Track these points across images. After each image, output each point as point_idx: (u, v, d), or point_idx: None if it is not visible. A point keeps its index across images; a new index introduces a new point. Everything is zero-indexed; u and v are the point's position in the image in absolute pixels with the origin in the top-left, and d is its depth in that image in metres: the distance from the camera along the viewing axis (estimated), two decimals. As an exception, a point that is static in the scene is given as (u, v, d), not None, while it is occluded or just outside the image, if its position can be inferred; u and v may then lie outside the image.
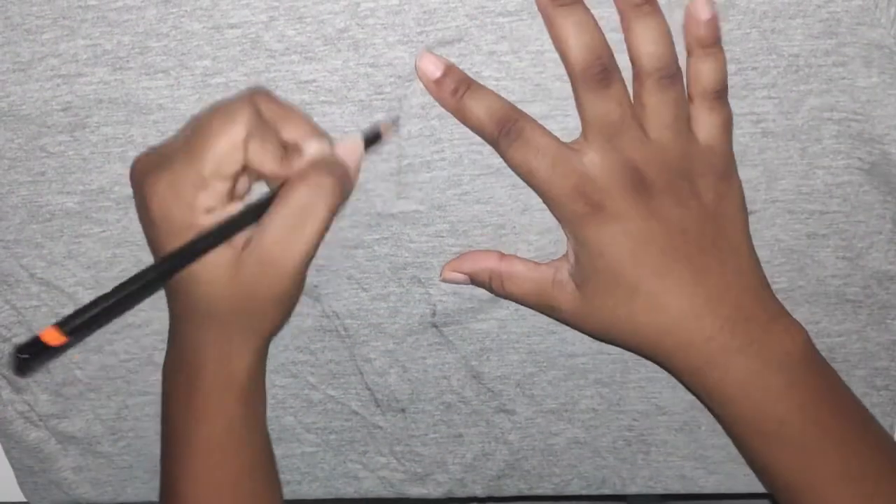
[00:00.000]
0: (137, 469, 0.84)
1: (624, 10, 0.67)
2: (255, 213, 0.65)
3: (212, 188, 0.63)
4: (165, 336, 0.77)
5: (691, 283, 0.68)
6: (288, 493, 0.84)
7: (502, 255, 0.74)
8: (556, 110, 0.72)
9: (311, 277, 0.77)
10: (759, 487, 0.82)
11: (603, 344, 0.78)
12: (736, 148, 0.72)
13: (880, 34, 0.68)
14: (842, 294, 0.77)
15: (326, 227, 0.66)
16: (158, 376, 0.77)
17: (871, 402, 0.80)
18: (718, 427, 0.80)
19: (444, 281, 0.76)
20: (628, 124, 0.67)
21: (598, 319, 0.71)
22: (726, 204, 0.69)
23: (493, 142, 0.70)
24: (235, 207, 0.65)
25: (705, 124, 0.68)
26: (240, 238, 0.65)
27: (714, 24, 0.67)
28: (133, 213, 0.75)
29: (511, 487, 0.85)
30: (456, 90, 0.69)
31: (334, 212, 0.66)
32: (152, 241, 0.67)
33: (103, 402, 0.82)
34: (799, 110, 0.71)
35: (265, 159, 0.64)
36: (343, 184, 0.66)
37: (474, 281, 0.75)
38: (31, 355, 0.61)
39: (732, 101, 0.70)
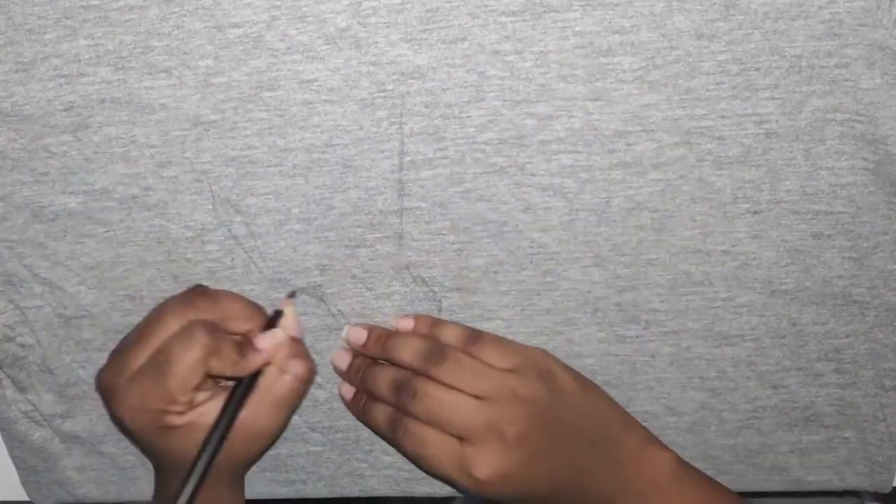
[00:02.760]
0: (140, 469, 0.84)
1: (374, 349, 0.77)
2: (240, 397, 0.74)
3: (179, 400, 0.71)
4: (169, 336, 0.78)
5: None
6: (293, 492, 0.84)
7: None
8: (560, 111, 0.72)
9: (315, 277, 0.77)
10: (766, 487, 0.82)
11: (611, 345, 0.79)
12: (739, 149, 0.72)
13: (882, 35, 0.68)
14: (848, 295, 0.76)
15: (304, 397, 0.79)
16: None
17: (881, 403, 0.79)
18: (727, 428, 0.80)
19: None
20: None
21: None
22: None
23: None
24: (204, 398, 0.73)
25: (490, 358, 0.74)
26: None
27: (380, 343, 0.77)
28: (136, 213, 0.76)
29: (518, 487, 0.85)
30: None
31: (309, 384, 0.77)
32: (129, 436, 0.78)
33: (107, 402, 0.83)
34: (802, 111, 0.71)
35: (224, 368, 0.72)
36: (309, 359, 0.76)
37: None
38: None
39: (735, 102, 0.70)
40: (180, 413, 0.71)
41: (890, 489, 0.82)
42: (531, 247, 0.75)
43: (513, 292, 0.77)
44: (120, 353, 0.73)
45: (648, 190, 0.74)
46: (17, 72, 0.73)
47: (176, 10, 0.71)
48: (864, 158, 0.72)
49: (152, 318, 0.73)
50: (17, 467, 0.85)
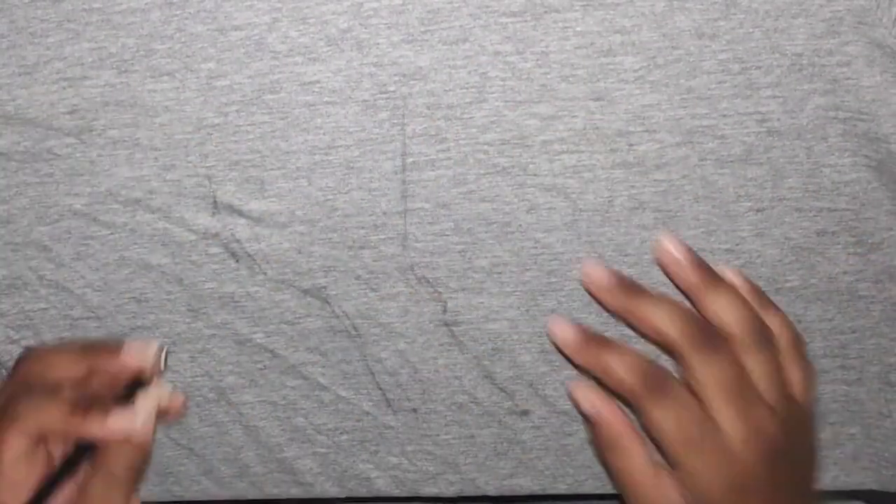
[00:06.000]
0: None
1: (692, 290, 0.72)
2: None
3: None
4: (174, 339, 0.77)
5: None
6: (301, 492, 0.84)
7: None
8: (562, 111, 0.72)
9: (320, 279, 0.77)
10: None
11: (616, 342, 0.78)
12: (741, 147, 0.72)
13: (882, 34, 0.68)
14: (854, 290, 0.76)
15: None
16: (167, 378, 0.77)
17: (886, 399, 0.79)
18: (733, 425, 0.80)
19: None
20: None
21: None
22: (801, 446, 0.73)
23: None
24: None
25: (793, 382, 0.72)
26: None
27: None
28: (140, 216, 0.76)
29: (524, 487, 0.84)
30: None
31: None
32: None
33: (111, 404, 0.83)
34: (804, 109, 0.71)
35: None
36: (146, 451, 0.73)
37: None
38: None
39: (737, 101, 0.70)
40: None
41: (897, 487, 0.83)
42: (535, 247, 0.75)
43: (517, 293, 0.77)
44: None
45: (651, 189, 0.74)
46: (20, 75, 0.73)
47: (178, 13, 0.71)
48: (866, 156, 0.72)
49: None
50: (23, 469, 0.85)
